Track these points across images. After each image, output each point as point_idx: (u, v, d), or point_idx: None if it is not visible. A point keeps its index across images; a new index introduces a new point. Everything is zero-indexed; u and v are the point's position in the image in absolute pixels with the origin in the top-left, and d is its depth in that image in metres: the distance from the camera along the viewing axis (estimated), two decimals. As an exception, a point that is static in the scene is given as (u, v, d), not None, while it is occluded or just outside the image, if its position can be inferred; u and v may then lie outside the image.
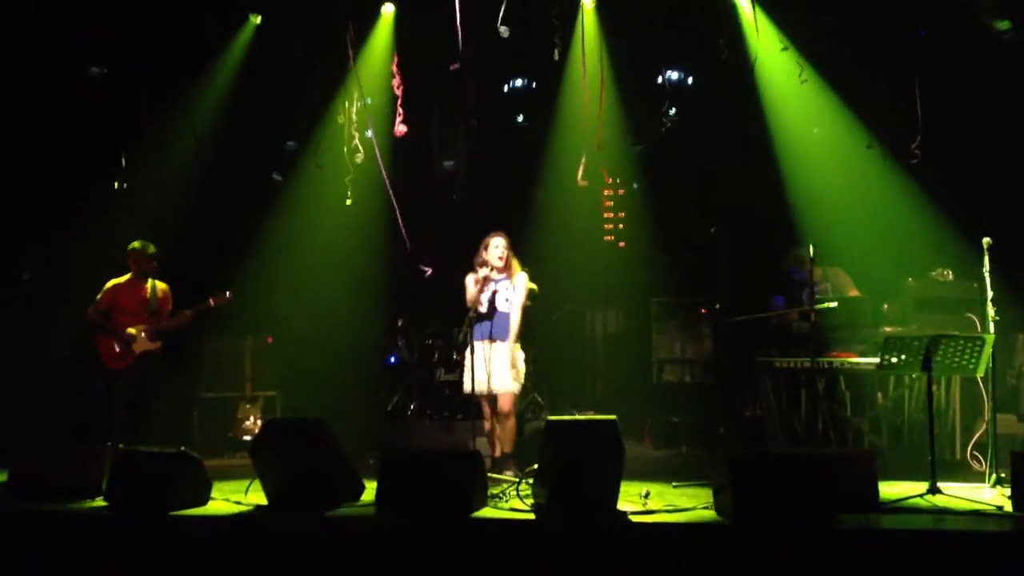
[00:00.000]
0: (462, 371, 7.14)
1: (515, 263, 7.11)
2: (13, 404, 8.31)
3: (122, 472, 5.58)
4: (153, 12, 7.98)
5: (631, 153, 9.60)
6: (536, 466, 5.61)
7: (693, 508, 5.29)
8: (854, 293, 7.68)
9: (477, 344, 6.87)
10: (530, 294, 7.12)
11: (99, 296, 7.59)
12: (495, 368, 6.80)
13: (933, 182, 8.08)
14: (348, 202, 8.33)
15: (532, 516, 5.22)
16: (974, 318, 6.96)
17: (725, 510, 5.02)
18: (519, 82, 9.64)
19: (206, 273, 8.54)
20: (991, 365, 5.93)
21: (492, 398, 6.91)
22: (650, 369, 9.71)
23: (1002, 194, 7.86)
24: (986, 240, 5.99)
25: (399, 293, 9.71)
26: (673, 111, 8.27)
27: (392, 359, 9.84)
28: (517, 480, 5.92)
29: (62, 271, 8.89)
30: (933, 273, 7.51)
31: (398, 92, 8.02)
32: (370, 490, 5.53)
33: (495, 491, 5.73)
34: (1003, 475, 5.80)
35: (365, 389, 9.50)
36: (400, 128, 8.02)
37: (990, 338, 5.82)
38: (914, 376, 6.74)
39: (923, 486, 5.61)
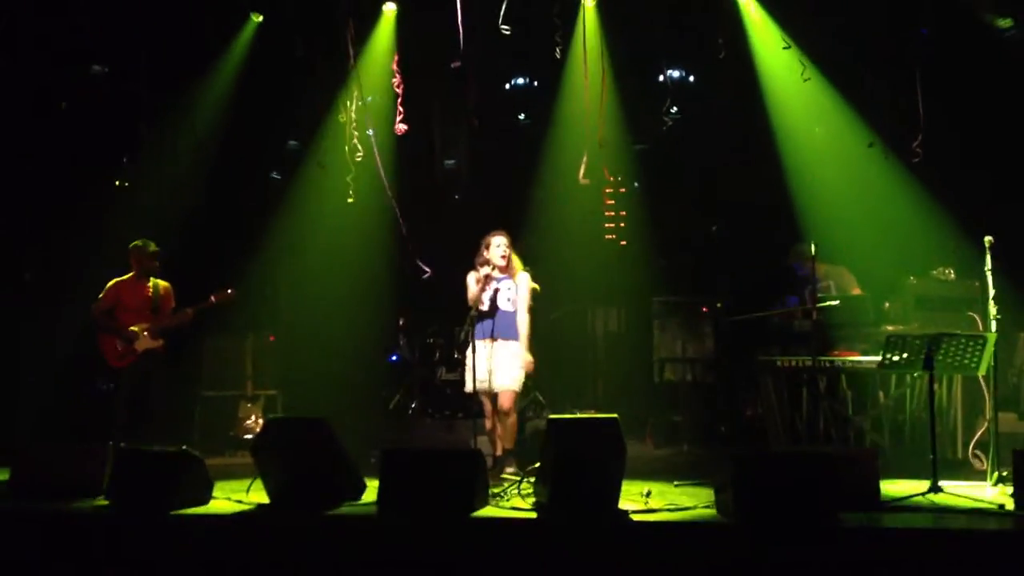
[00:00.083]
0: (463, 370, 7.14)
1: (517, 262, 7.11)
2: (14, 403, 8.32)
3: (123, 471, 5.57)
4: (154, 11, 7.98)
5: (632, 152, 9.60)
6: (537, 465, 5.61)
7: (694, 507, 5.29)
8: (856, 292, 7.67)
9: (479, 343, 6.86)
10: (532, 294, 7.12)
11: (101, 295, 7.60)
12: (496, 366, 6.80)
13: (935, 181, 8.08)
14: (350, 200, 8.34)
15: (533, 515, 5.22)
16: (975, 317, 6.96)
17: (726, 509, 5.01)
18: (520, 80, 9.64)
19: (208, 272, 8.55)
20: (993, 364, 5.93)
21: (493, 396, 6.91)
22: (651, 368, 9.71)
23: (1004, 192, 7.86)
24: (988, 239, 5.98)
25: (400, 292, 9.71)
26: (674, 110, 8.27)
27: (393, 358, 9.85)
28: (518, 479, 5.92)
29: (63, 271, 8.89)
30: (934, 271, 7.50)
31: (398, 91, 8.02)
32: (371, 489, 5.53)
33: (496, 490, 5.73)
34: (1005, 473, 5.79)
35: (366, 388, 9.51)
36: (400, 127, 8.02)
37: (992, 337, 5.81)
38: (916, 375, 6.73)
39: (925, 485, 5.60)
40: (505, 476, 6.50)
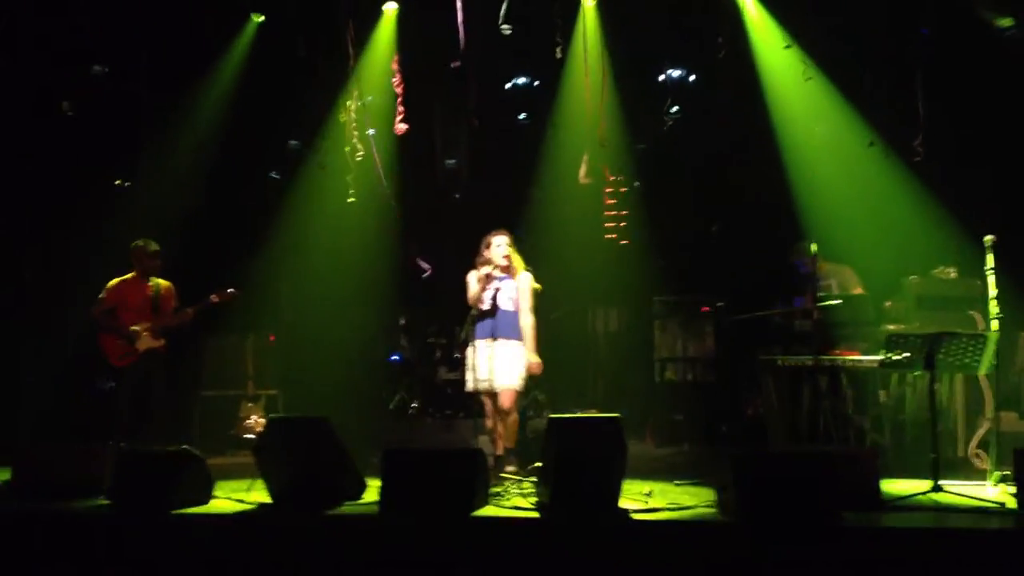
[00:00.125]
0: (464, 369, 7.14)
1: (518, 261, 7.10)
2: (16, 403, 8.32)
3: (124, 470, 5.58)
4: (155, 12, 7.99)
5: (633, 151, 9.60)
6: (538, 464, 5.61)
7: (695, 507, 5.29)
8: (858, 292, 7.67)
9: (479, 342, 6.86)
10: (533, 294, 7.11)
11: (103, 295, 7.60)
12: (497, 366, 6.79)
13: (935, 179, 8.08)
14: (350, 199, 8.34)
15: (534, 514, 5.21)
16: (976, 315, 6.95)
17: (727, 508, 5.02)
18: (521, 80, 9.64)
19: (209, 271, 8.55)
20: (994, 363, 5.92)
21: (494, 396, 6.91)
22: (652, 367, 9.71)
23: (1004, 191, 7.85)
24: (989, 237, 5.98)
25: (401, 291, 9.71)
26: (675, 109, 8.27)
27: (394, 357, 9.85)
28: (519, 478, 5.92)
29: (63, 271, 8.90)
30: (935, 270, 7.50)
31: (398, 91, 8.02)
32: (372, 489, 5.54)
33: (497, 489, 5.73)
34: (1006, 472, 5.79)
35: (367, 387, 9.51)
36: (400, 126, 8.02)
37: (993, 335, 5.81)
38: (916, 374, 6.74)
39: (926, 484, 5.59)
40: (506, 476, 6.50)
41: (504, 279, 7.00)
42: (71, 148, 8.68)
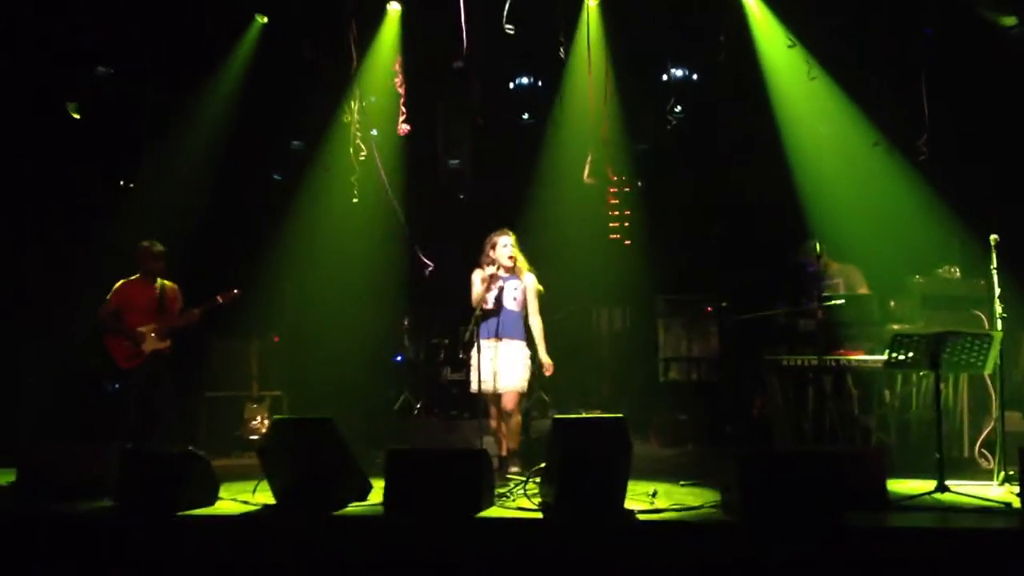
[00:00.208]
0: (469, 370, 7.14)
1: (523, 262, 7.10)
2: (20, 404, 8.32)
3: (130, 472, 5.57)
4: (159, 13, 7.99)
5: (636, 151, 9.59)
6: (543, 465, 5.61)
7: (700, 507, 5.28)
8: (864, 291, 7.66)
9: (483, 342, 6.85)
10: (538, 295, 7.11)
11: (108, 296, 7.60)
12: (501, 366, 6.79)
13: (940, 179, 8.06)
14: (355, 200, 8.34)
15: (539, 515, 5.21)
16: (981, 315, 6.94)
17: (732, 509, 5.01)
18: (524, 80, 9.64)
19: (214, 272, 8.56)
20: (999, 362, 5.91)
21: (498, 397, 6.91)
22: (656, 367, 9.70)
23: (1009, 191, 7.84)
24: (993, 237, 5.97)
25: (406, 292, 9.71)
26: (679, 108, 8.26)
27: (398, 358, 9.85)
28: (524, 479, 5.91)
29: (67, 271, 8.90)
30: (940, 270, 7.48)
31: (401, 91, 8.03)
32: (377, 489, 5.53)
33: (502, 490, 5.73)
34: (1011, 472, 5.78)
35: (372, 388, 9.52)
36: (403, 127, 8.02)
37: (998, 335, 5.80)
38: (922, 374, 6.73)
39: (931, 484, 5.59)
40: (510, 476, 6.50)
41: (508, 279, 7.00)
42: (73, 148, 8.69)
